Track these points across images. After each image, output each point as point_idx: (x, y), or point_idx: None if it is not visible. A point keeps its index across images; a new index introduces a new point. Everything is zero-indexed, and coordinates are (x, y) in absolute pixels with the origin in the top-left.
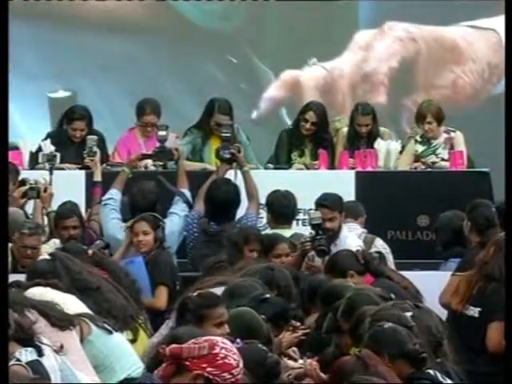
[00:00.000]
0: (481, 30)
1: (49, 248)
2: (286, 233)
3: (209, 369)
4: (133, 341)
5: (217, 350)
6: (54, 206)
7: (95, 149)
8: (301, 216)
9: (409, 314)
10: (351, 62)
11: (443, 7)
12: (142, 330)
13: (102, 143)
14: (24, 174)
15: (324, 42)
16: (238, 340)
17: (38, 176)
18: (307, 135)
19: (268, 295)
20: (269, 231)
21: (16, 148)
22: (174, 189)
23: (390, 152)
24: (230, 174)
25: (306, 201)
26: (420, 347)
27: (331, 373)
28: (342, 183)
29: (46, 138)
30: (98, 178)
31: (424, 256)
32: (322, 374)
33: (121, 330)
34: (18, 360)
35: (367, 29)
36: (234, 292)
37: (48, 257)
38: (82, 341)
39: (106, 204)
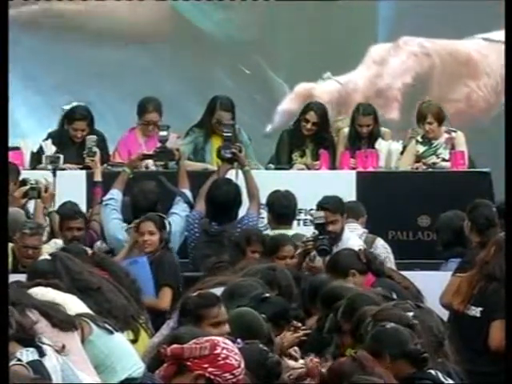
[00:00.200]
0: (494, 43)
1: (49, 248)
2: (287, 233)
3: (210, 369)
4: (134, 341)
5: (218, 351)
6: (55, 206)
7: (95, 149)
8: (302, 216)
9: (410, 314)
10: (365, 77)
11: (457, 20)
12: (143, 330)
13: (102, 143)
14: (25, 174)
15: (339, 54)
16: (239, 340)
17: (39, 176)
18: (308, 135)
19: (268, 294)
20: (269, 231)
21: (17, 148)
22: (174, 189)
23: (391, 152)
24: (231, 174)
25: (306, 201)
26: (421, 347)
27: (328, 374)
28: (343, 183)
29: (46, 138)
30: (98, 178)
31: (425, 256)
32: (324, 370)
33: (121, 330)
34: (19, 360)
35: (384, 42)
36: (234, 292)
37: (48, 257)
38: (82, 341)
39: (107, 204)
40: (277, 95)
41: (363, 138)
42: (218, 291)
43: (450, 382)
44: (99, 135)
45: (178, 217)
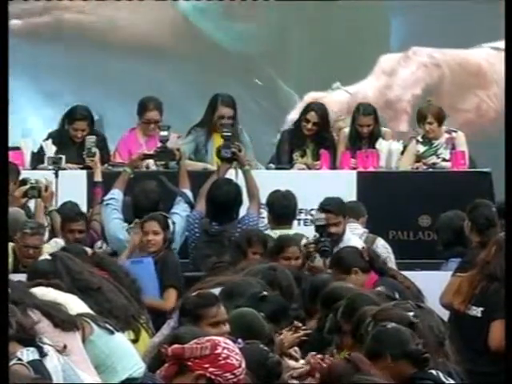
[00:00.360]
0: (502, 52)
1: (50, 248)
2: (287, 233)
3: (211, 369)
4: (134, 341)
5: (219, 350)
6: (56, 205)
7: (94, 149)
8: (302, 216)
9: (410, 314)
10: (375, 88)
11: (464, 29)
12: (144, 330)
13: (103, 143)
14: (26, 174)
15: (349, 64)
16: (240, 340)
17: (39, 176)
18: (309, 135)
19: (266, 293)
20: (269, 231)
21: (17, 148)
22: (175, 189)
23: (392, 152)
24: (231, 174)
25: (307, 201)
26: (422, 347)
27: (322, 376)
28: (344, 183)
29: (47, 139)
30: (98, 178)
31: (425, 256)
32: (325, 366)
33: (122, 330)
34: (20, 359)
35: (394, 52)
36: (232, 291)
37: (49, 257)
38: (83, 341)
39: (107, 204)
40: (286, 104)
41: (364, 138)
42: (218, 291)
43: (451, 382)
44: (99, 135)
45: (179, 217)
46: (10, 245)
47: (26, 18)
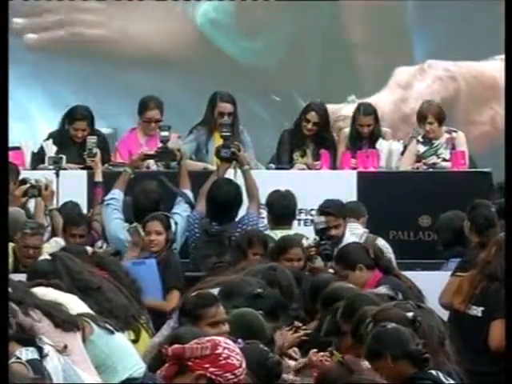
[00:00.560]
0: None
1: (50, 248)
2: (287, 233)
3: (211, 369)
4: (135, 341)
5: (219, 350)
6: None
7: (95, 150)
8: (302, 216)
9: (410, 314)
10: (390, 101)
11: (476, 41)
12: (144, 330)
13: (103, 143)
14: (26, 174)
15: (365, 77)
16: (240, 340)
17: (39, 176)
18: (309, 135)
19: (260, 290)
20: (269, 231)
21: (17, 148)
22: (175, 189)
23: (392, 152)
24: (230, 174)
25: (307, 201)
26: (422, 347)
27: (316, 381)
28: (344, 183)
29: (47, 139)
30: (98, 178)
31: (426, 256)
32: (328, 363)
33: (122, 330)
34: (18, 358)
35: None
36: (231, 291)
37: (48, 257)
38: (83, 341)
39: (108, 204)
40: None
41: (364, 138)
42: (218, 291)
43: (451, 382)
44: (100, 135)
45: (180, 217)
46: (10, 245)
47: (42, 33)
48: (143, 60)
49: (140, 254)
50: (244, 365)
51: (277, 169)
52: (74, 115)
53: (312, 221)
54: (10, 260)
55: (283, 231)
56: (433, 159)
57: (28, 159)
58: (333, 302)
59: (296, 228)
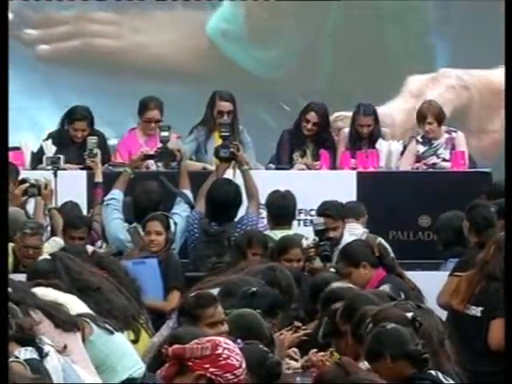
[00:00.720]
0: None
1: (50, 247)
2: (286, 233)
3: (211, 369)
4: (134, 341)
5: (219, 351)
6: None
7: (96, 150)
8: (302, 216)
9: (409, 314)
10: (402, 110)
11: (486, 49)
12: (144, 331)
13: (103, 144)
14: (26, 174)
15: (378, 84)
16: (239, 340)
17: (38, 176)
18: (309, 135)
19: (255, 288)
20: (268, 232)
21: (17, 148)
22: (175, 189)
23: (392, 152)
24: (229, 174)
25: (307, 201)
26: (422, 347)
27: (313, 381)
28: (344, 183)
29: (47, 139)
30: (99, 178)
31: (425, 256)
32: (328, 364)
33: (122, 330)
34: (17, 358)
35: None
36: (230, 291)
37: (48, 256)
38: (83, 341)
39: (108, 204)
40: None
41: (364, 138)
42: (217, 291)
43: (451, 382)
44: (99, 135)
45: (180, 217)
46: (10, 245)
47: (53, 43)
48: (154, 70)
49: (139, 253)
50: (244, 365)
51: (276, 169)
52: (73, 115)
53: (311, 221)
54: (10, 260)
55: (283, 231)
56: (432, 159)
57: (28, 159)
58: (333, 302)
59: (296, 228)
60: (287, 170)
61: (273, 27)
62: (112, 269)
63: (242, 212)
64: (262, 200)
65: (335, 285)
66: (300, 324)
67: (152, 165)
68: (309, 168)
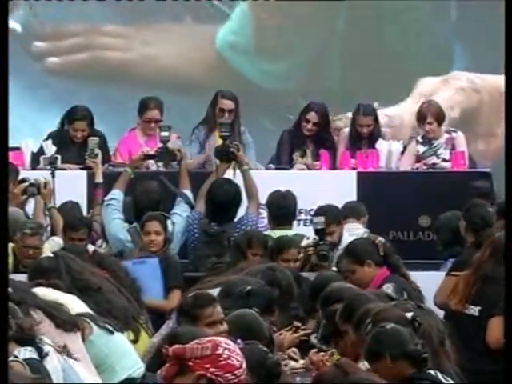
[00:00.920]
0: None
1: (49, 247)
2: (287, 233)
3: (212, 369)
4: (134, 341)
5: (220, 351)
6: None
7: (97, 150)
8: (302, 216)
9: (409, 314)
10: (412, 111)
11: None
12: (144, 331)
13: (103, 144)
14: (26, 174)
15: (389, 86)
16: (239, 340)
17: (38, 176)
18: (309, 135)
19: (249, 287)
20: (269, 232)
21: (17, 148)
22: (175, 190)
23: (392, 152)
24: (229, 174)
25: (307, 201)
26: (421, 347)
27: (312, 382)
28: (344, 183)
29: (47, 139)
30: (99, 179)
31: (425, 256)
32: (329, 364)
33: (121, 330)
34: (16, 357)
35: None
36: (230, 291)
37: (51, 254)
38: (83, 341)
39: (108, 204)
40: None
41: (364, 138)
42: (217, 292)
43: (451, 382)
44: (99, 136)
45: (180, 217)
46: (10, 245)
47: (62, 56)
48: (163, 82)
49: (139, 253)
50: (244, 365)
51: (276, 169)
52: (73, 115)
53: (311, 221)
54: (10, 260)
55: (283, 231)
56: (432, 159)
57: (28, 159)
58: (332, 302)
59: (296, 228)
60: (287, 170)
61: (281, 40)
62: (113, 269)
63: (241, 212)
64: (262, 200)
65: (335, 284)
66: (299, 324)
67: (152, 165)
68: (309, 168)
